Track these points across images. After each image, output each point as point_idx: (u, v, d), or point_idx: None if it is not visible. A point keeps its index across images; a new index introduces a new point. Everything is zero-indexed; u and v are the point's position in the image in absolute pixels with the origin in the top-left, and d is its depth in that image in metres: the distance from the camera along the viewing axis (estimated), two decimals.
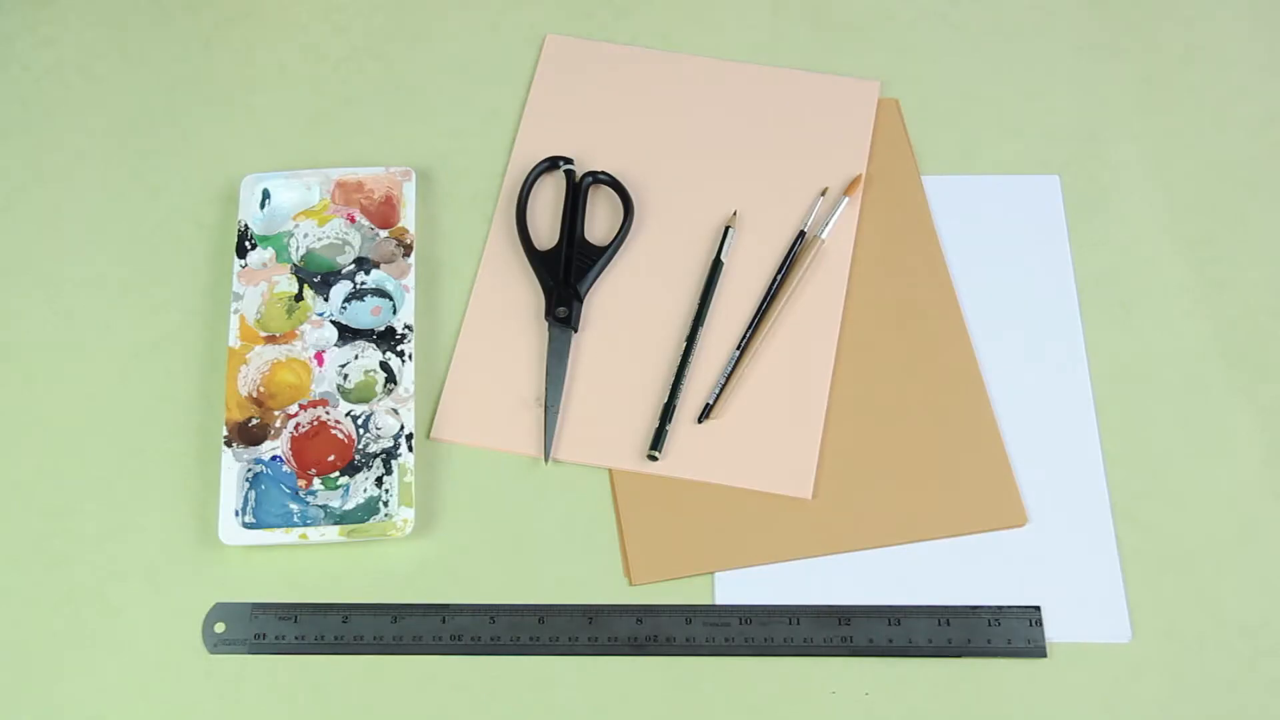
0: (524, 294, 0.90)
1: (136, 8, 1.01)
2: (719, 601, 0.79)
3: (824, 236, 0.90)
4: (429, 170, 0.94)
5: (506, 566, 0.81)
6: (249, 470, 0.82)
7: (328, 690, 0.77)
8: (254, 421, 0.83)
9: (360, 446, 0.83)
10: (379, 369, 0.86)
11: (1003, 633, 0.78)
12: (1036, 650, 0.78)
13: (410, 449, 0.82)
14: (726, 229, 0.91)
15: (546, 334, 0.87)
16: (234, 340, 0.85)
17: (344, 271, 0.88)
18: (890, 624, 0.78)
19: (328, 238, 0.91)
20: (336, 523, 0.81)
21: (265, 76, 0.98)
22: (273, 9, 1.01)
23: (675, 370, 0.86)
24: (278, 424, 0.83)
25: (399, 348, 0.86)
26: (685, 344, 0.87)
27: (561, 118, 0.96)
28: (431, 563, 0.81)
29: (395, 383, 0.85)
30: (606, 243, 0.90)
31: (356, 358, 0.86)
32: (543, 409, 0.85)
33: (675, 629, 0.78)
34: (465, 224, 0.92)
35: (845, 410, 0.85)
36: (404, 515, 0.80)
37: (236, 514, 0.80)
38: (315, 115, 0.96)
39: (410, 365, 0.85)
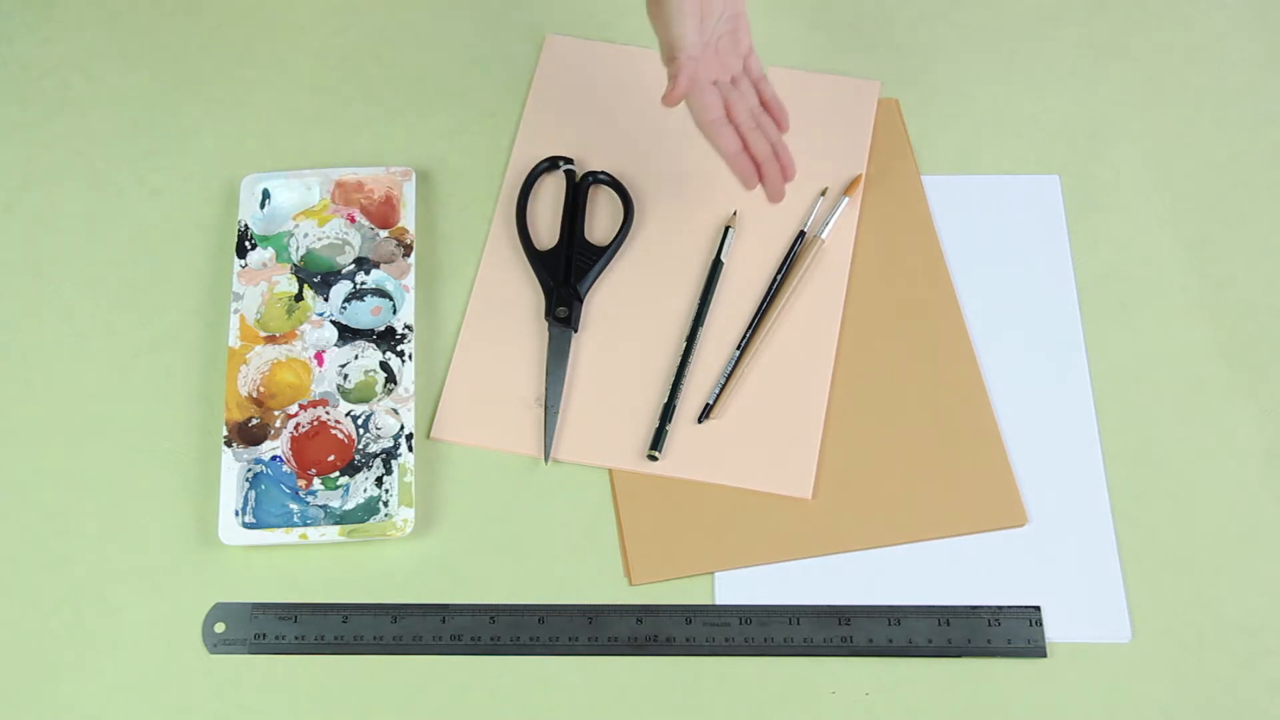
0: (524, 294, 0.90)
1: (136, 8, 1.01)
2: (719, 601, 0.79)
3: (824, 236, 0.90)
4: (429, 170, 0.94)
5: (506, 566, 0.81)
6: (249, 470, 0.82)
7: (328, 690, 0.77)
8: (254, 421, 0.83)
9: (360, 446, 0.83)
10: (379, 369, 0.86)
11: (1003, 633, 0.78)
12: (1036, 650, 0.78)
13: (410, 449, 0.82)
14: (726, 229, 0.91)
15: (546, 334, 0.87)
16: (234, 340, 0.85)
17: (344, 271, 0.88)
18: (890, 624, 0.78)
19: (328, 238, 0.91)
20: (336, 523, 0.81)
21: (265, 76, 0.97)
22: (273, 9, 1.00)
23: (675, 370, 0.86)
24: (278, 424, 0.83)
25: (399, 348, 0.86)
26: (685, 344, 0.87)
27: (561, 118, 0.96)
28: (431, 563, 0.81)
29: (395, 383, 0.85)
30: (606, 243, 0.90)
31: (356, 358, 0.86)
32: (543, 409, 0.85)
33: (675, 629, 0.78)
34: (465, 224, 0.92)
35: (845, 410, 0.85)
36: (404, 515, 0.80)
37: (236, 514, 0.80)
38: (315, 115, 0.96)
39: (410, 365, 0.85)
